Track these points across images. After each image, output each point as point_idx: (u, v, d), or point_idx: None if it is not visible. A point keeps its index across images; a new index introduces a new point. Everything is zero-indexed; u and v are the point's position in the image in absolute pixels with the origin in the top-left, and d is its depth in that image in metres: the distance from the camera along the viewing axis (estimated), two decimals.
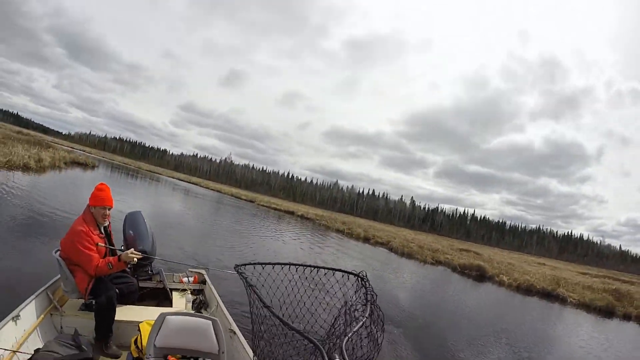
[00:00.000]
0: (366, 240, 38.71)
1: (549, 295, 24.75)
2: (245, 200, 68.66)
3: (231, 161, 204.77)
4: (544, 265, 53.84)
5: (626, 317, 22.52)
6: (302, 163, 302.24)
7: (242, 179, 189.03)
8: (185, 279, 6.34)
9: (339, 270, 3.43)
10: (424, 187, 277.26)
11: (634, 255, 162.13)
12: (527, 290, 25.35)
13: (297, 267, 3.52)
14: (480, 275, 27.95)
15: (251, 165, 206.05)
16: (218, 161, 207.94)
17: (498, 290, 24.47)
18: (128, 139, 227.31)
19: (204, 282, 6.48)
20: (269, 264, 3.42)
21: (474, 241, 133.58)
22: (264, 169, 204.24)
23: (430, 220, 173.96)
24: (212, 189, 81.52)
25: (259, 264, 3.42)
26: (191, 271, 6.67)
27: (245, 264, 3.33)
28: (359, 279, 3.11)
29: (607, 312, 22.81)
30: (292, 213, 56.60)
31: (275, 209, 59.82)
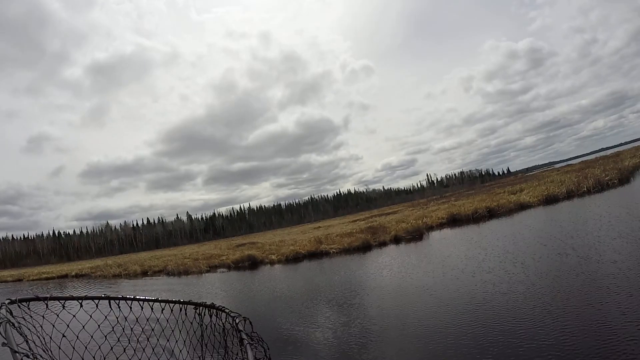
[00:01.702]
0: (144, 274, 36.70)
1: (315, 255, 27.40)
2: (12, 281, 57.43)
3: None
4: (319, 228, 59.63)
5: (381, 245, 26.75)
6: (66, 214, 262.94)
7: (5, 256, 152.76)
8: None
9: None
10: (197, 198, 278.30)
11: (396, 189, 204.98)
12: (295, 259, 27.57)
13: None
14: (253, 263, 29.38)
15: (10, 236, 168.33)
16: None
17: (271, 269, 25.84)
18: None
19: None
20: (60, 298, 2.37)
21: (257, 231, 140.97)
22: (27, 235, 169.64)
23: (211, 227, 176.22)
24: None
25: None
26: None
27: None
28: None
29: (365, 248, 26.57)
30: (66, 276, 50.97)
31: (47, 278, 52.99)
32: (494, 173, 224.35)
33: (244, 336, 2.26)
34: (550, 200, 29.95)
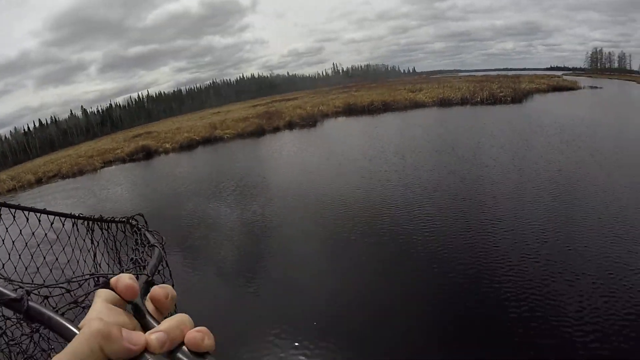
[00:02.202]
0: (39, 182, 34.62)
1: (209, 141, 27.68)
2: None
3: None
4: (218, 113, 58.93)
5: (275, 130, 27.60)
6: None
7: None
8: None
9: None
10: (91, 89, 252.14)
11: (301, 76, 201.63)
12: (189, 146, 27.94)
13: None
14: (147, 154, 29.37)
15: None
16: None
17: (165, 158, 26.51)
18: None
19: None
20: None
21: (156, 120, 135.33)
22: None
23: (108, 120, 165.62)
24: None
25: None
26: None
27: None
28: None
29: (259, 133, 27.29)
30: None
31: None
32: (400, 70, 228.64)
33: (140, 226, 2.22)
34: (444, 103, 31.97)
